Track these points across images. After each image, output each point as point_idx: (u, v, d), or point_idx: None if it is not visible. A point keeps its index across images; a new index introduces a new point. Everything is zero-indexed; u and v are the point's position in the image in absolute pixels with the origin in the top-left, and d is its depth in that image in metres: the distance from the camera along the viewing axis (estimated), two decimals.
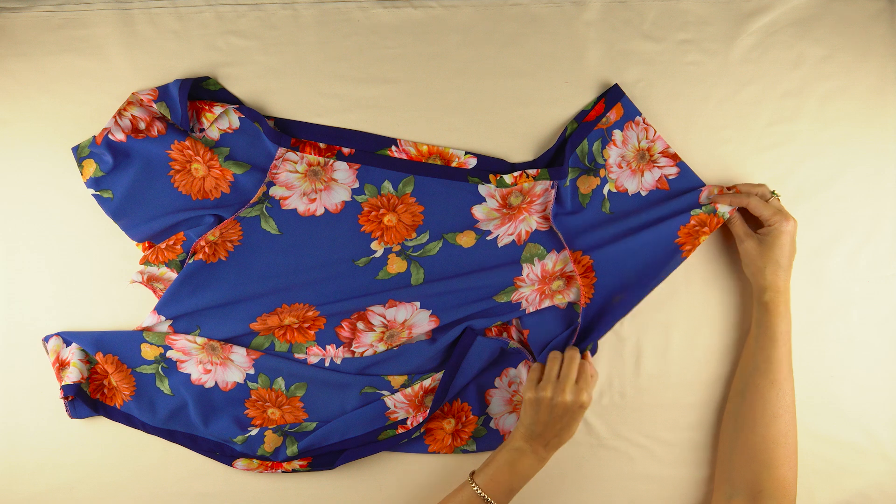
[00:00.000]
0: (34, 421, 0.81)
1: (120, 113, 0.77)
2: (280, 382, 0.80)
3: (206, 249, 0.78)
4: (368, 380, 0.80)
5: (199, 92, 0.80)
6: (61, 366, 0.79)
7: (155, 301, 0.80)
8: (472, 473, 0.75)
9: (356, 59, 0.81)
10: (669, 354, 0.82)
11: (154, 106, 0.77)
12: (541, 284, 0.81)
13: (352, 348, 0.81)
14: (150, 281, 0.79)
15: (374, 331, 0.81)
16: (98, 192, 0.78)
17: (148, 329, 0.80)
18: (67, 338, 0.80)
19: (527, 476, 0.74)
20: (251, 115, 0.79)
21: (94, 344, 0.79)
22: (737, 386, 0.78)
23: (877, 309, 0.82)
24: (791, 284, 0.76)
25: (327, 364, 0.80)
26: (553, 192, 0.79)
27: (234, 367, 0.80)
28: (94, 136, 0.77)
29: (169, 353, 0.79)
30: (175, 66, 0.80)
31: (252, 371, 0.80)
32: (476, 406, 0.82)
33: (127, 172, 0.77)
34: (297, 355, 0.80)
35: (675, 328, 0.82)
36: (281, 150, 0.79)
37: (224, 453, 0.80)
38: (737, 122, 0.82)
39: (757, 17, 0.81)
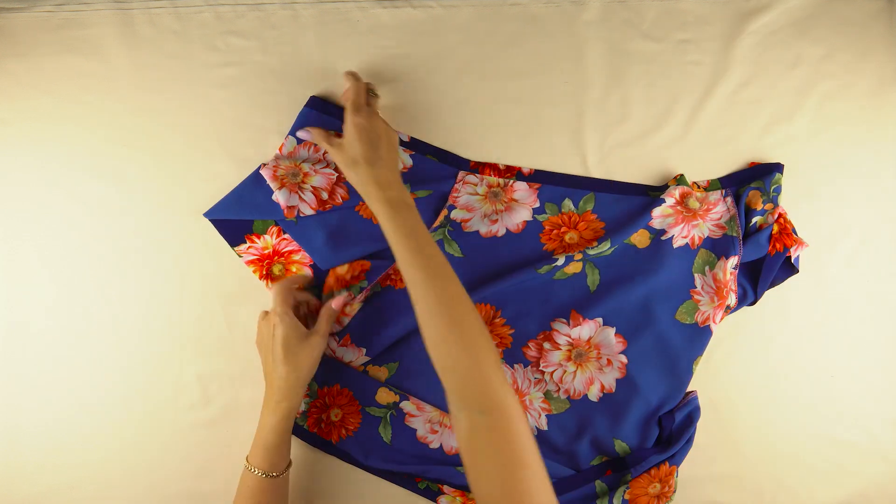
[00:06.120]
0: (34, 421, 0.81)
1: (300, 186, 0.76)
2: None
3: (393, 276, 0.78)
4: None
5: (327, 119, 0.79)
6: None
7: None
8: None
9: (356, 59, 0.81)
10: None
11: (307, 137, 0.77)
12: (719, 299, 0.78)
13: (540, 368, 0.79)
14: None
15: (560, 349, 0.79)
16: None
17: (349, 364, 0.78)
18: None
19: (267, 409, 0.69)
20: (420, 148, 0.79)
21: (329, 372, 0.78)
22: None
23: (877, 309, 0.82)
24: None
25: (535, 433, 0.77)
26: (730, 199, 0.79)
27: None
28: (283, 211, 0.76)
29: (402, 404, 0.78)
30: (175, 66, 0.81)
31: None
32: None
33: (318, 235, 0.78)
34: None
35: None
36: (461, 174, 0.79)
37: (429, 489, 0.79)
38: (737, 122, 0.82)
39: (756, 17, 0.81)
